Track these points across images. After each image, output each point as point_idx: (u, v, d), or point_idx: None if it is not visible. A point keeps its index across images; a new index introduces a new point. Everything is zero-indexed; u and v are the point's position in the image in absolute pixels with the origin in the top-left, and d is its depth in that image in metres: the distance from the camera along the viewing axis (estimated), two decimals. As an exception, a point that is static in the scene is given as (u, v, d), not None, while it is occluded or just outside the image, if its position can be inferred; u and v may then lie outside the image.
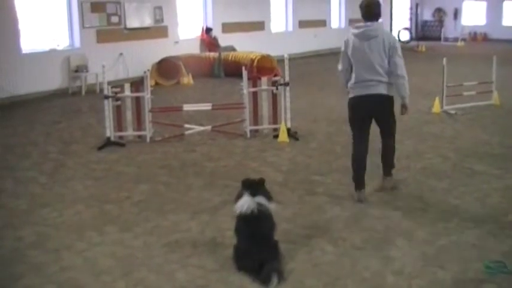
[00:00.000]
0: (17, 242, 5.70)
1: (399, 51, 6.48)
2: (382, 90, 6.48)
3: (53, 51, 15.76)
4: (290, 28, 26.15)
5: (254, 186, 5.11)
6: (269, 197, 5.15)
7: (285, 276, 4.75)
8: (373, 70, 6.42)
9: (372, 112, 6.65)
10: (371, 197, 6.78)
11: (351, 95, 6.69)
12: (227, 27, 21.74)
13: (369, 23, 6.47)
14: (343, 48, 6.68)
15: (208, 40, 20.70)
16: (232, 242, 5.17)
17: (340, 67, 6.79)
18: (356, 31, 6.53)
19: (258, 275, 4.68)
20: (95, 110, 12.51)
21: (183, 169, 8.16)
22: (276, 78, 10.36)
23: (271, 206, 5.10)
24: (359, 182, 6.70)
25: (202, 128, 10.15)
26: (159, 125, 10.14)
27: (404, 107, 6.66)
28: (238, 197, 5.12)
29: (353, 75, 6.57)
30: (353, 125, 6.82)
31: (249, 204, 4.97)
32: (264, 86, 10.04)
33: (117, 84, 11.15)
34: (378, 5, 6.57)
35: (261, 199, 5.04)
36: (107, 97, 9.41)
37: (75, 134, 10.62)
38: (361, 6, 6.56)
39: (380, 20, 6.60)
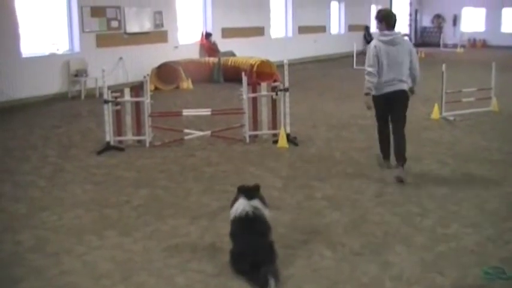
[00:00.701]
0: (17, 246, 5.70)
1: (417, 55, 7.96)
2: (405, 87, 7.74)
3: (52, 56, 15.80)
4: (290, 34, 26.23)
5: (249, 192, 5.17)
6: (264, 202, 5.21)
7: (281, 279, 4.76)
8: (400, 71, 7.65)
9: (395, 104, 7.76)
10: (370, 202, 6.80)
11: (377, 93, 7.73)
12: (227, 33, 21.78)
13: (393, 32, 7.69)
14: (374, 53, 7.61)
15: (208, 45, 20.73)
16: (229, 246, 5.17)
17: (371, 69, 7.59)
18: (385, 38, 7.64)
19: (255, 278, 4.69)
20: (94, 115, 12.52)
21: (183, 174, 8.17)
22: (276, 83, 10.37)
23: (266, 211, 5.14)
24: (386, 153, 8.07)
25: (201, 133, 10.16)
26: (159, 129, 10.15)
27: (412, 91, 8.01)
28: (234, 201, 5.20)
29: (381, 76, 7.61)
30: (380, 115, 8.00)
31: (244, 206, 5.02)
32: (264, 92, 10.05)
33: (117, 89, 11.17)
34: (396, 16, 7.84)
35: (256, 203, 5.09)
36: (106, 101, 9.41)
37: (74, 138, 10.62)
38: (382, 17, 7.73)
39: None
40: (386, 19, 7.70)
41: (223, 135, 10.09)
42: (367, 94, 7.80)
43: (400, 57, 7.63)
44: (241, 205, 5.04)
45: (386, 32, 7.67)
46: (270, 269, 4.71)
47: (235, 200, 5.18)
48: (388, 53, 7.57)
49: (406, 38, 8.52)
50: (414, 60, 7.81)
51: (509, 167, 8.28)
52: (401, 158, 7.62)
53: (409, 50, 7.74)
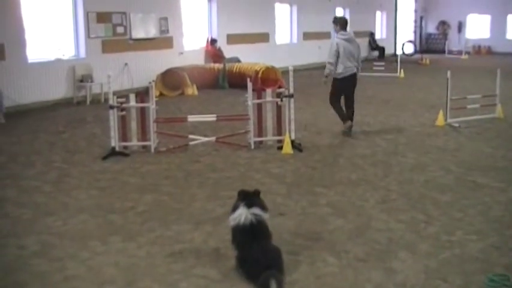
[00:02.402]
0: (21, 251, 5.72)
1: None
2: (356, 71, 10.86)
3: (58, 61, 15.85)
4: (294, 40, 26.27)
5: (250, 197, 5.22)
6: (264, 208, 5.25)
7: (284, 286, 4.76)
8: (353, 60, 10.71)
9: (351, 84, 10.89)
10: (374, 209, 6.80)
11: (340, 76, 10.70)
12: (232, 39, 21.82)
13: (347, 32, 10.85)
14: (336, 48, 10.57)
15: (213, 51, 20.77)
16: (233, 252, 5.19)
17: (332, 60, 10.57)
18: (343, 37, 10.70)
19: (259, 281, 4.68)
20: (99, 120, 12.55)
21: (187, 180, 8.18)
22: (281, 89, 10.38)
23: (266, 216, 5.20)
24: (345, 116, 10.94)
25: (206, 139, 10.18)
26: (164, 135, 10.17)
27: (357, 73, 10.96)
28: (234, 208, 5.23)
29: (340, 64, 10.59)
30: (339, 93, 10.96)
31: (246, 215, 5.08)
32: (269, 98, 10.07)
33: (122, 95, 11.20)
34: (347, 21, 11.18)
35: (256, 210, 5.13)
36: (111, 107, 9.44)
37: (79, 143, 10.65)
38: (339, 21, 10.86)
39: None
40: (342, 23, 10.80)
41: (228, 141, 10.10)
42: (326, 77, 10.93)
43: (353, 51, 10.71)
44: (243, 214, 5.09)
45: (343, 32, 10.75)
46: (273, 273, 4.70)
47: (236, 207, 5.22)
48: (345, 48, 10.58)
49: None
50: (360, 54, 10.93)
51: (514, 174, 8.26)
52: (351, 119, 10.98)
53: (358, 46, 10.95)
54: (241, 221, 5.07)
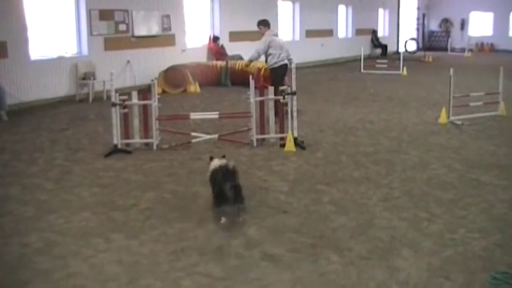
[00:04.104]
0: (24, 248, 5.73)
1: None
2: (286, 61, 12.41)
3: (61, 59, 15.84)
4: (297, 37, 26.22)
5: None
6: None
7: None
8: (283, 52, 12.36)
9: (284, 73, 12.46)
10: (377, 207, 6.80)
11: (275, 66, 12.31)
12: (234, 36, 21.80)
13: (274, 30, 12.94)
14: (267, 44, 12.19)
15: (216, 49, 20.76)
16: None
17: (259, 53, 12.39)
18: (273, 33, 12.54)
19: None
20: (102, 117, 12.56)
21: (190, 177, 8.18)
22: (283, 87, 10.37)
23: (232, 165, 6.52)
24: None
25: (208, 137, 10.18)
26: (166, 132, 10.17)
27: (291, 63, 12.11)
28: (210, 162, 6.85)
29: (274, 56, 12.26)
30: (277, 79, 12.17)
31: (221, 163, 6.58)
32: (271, 95, 10.06)
33: (124, 92, 11.19)
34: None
35: (225, 161, 6.70)
36: (114, 104, 9.44)
37: (82, 141, 10.65)
38: (265, 22, 12.55)
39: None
40: (267, 24, 12.56)
41: (230, 138, 10.10)
42: (250, 61, 12.80)
43: (282, 44, 12.49)
44: (218, 163, 6.61)
45: (273, 30, 12.79)
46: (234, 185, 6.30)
47: (211, 161, 6.88)
48: (277, 42, 12.38)
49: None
50: (286, 46, 12.67)
51: (517, 172, 8.25)
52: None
53: (283, 41, 12.87)
54: (218, 165, 6.55)
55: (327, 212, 6.64)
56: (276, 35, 12.62)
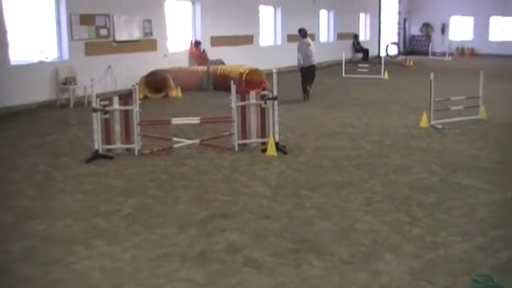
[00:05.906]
0: (5, 255, 5.67)
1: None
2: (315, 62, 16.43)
3: (41, 63, 15.72)
4: (279, 42, 26.27)
5: None
6: None
7: None
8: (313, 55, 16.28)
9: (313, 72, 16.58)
10: (358, 211, 6.82)
11: (304, 66, 16.21)
12: (216, 41, 21.80)
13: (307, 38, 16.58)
14: (305, 46, 16.19)
15: (197, 53, 20.74)
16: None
17: (300, 55, 16.26)
18: (307, 40, 16.35)
19: None
20: (83, 123, 12.47)
21: (172, 182, 8.16)
22: (265, 92, 10.38)
23: None
24: (306, 91, 16.52)
25: (190, 142, 10.15)
26: (148, 138, 10.13)
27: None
28: None
29: (305, 57, 16.09)
30: (306, 77, 16.43)
31: None
32: (253, 100, 10.06)
33: (106, 97, 11.14)
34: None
35: None
36: (95, 110, 9.39)
37: (63, 146, 10.58)
38: (303, 31, 16.50)
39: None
40: (304, 32, 16.51)
41: (212, 143, 10.08)
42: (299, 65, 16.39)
43: (314, 49, 16.36)
44: None
45: (307, 38, 16.58)
46: None
47: None
48: (310, 46, 16.30)
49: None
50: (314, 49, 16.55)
51: (498, 176, 8.31)
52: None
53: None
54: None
55: (309, 217, 6.65)
56: (310, 41, 16.73)
